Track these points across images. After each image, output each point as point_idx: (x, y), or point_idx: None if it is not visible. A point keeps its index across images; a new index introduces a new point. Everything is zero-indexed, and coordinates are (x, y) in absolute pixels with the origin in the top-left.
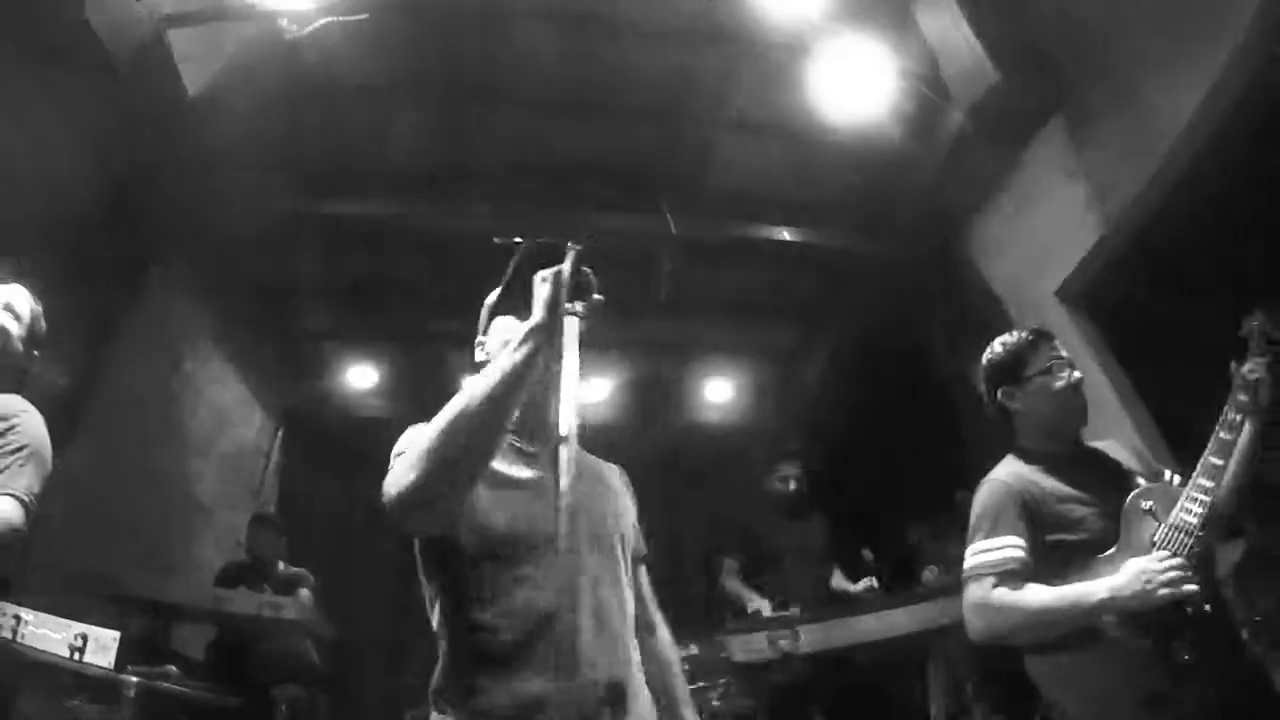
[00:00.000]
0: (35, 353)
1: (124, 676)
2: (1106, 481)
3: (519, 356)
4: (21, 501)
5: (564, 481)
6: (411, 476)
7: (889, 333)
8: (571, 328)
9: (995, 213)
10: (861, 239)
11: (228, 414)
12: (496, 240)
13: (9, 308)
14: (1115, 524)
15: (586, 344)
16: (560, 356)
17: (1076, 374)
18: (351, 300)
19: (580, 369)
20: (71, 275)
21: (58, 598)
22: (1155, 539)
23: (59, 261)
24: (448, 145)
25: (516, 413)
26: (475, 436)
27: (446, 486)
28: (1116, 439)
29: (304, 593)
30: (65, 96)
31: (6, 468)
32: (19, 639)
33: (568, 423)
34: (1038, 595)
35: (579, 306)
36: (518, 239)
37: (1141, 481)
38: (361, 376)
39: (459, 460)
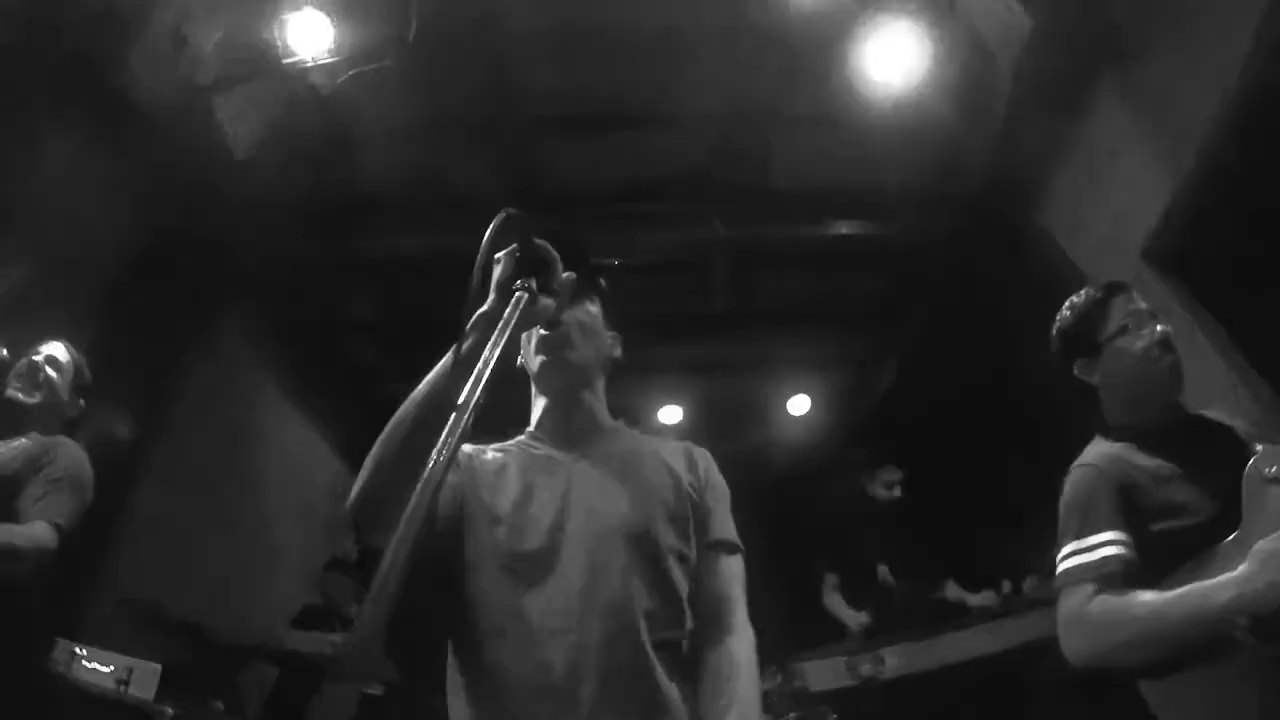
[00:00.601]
0: (80, 401)
1: (160, 708)
2: (1217, 453)
3: (463, 348)
4: (55, 525)
5: (432, 456)
6: (358, 481)
7: (969, 321)
8: (516, 305)
9: (1063, 178)
10: (928, 226)
11: (297, 456)
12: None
13: (51, 361)
14: (1234, 502)
15: (645, 367)
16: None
17: (1161, 327)
18: (415, 337)
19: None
20: (135, 325)
21: (126, 637)
22: None
23: (122, 312)
24: (498, 174)
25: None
26: (412, 436)
27: (388, 489)
28: (1225, 408)
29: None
30: (118, 154)
31: (45, 495)
32: (73, 673)
33: (467, 393)
34: (1148, 601)
35: (533, 283)
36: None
37: (1259, 447)
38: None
39: (395, 462)
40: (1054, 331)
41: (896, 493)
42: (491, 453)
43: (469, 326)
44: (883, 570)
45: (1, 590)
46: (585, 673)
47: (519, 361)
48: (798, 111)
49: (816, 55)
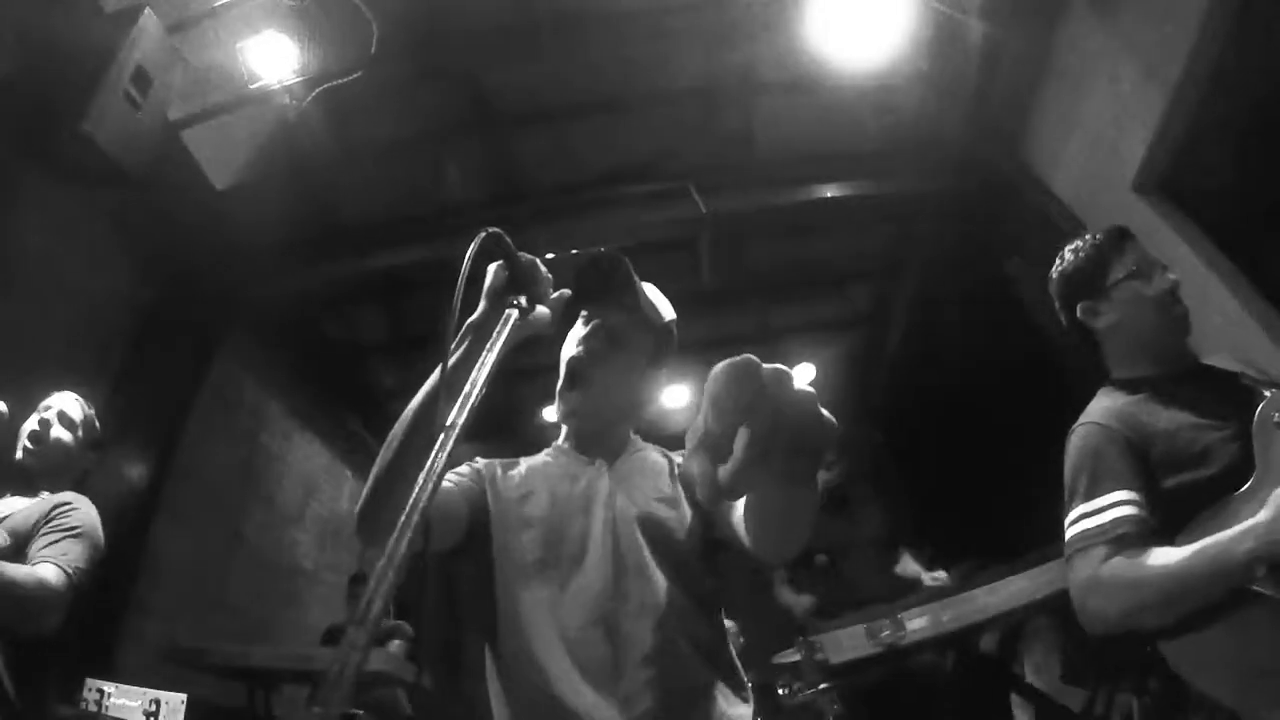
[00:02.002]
0: (92, 454)
1: None
2: (1229, 400)
3: (452, 358)
4: (62, 568)
5: (421, 476)
6: (361, 495)
7: (967, 274)
8: (507, 322)
9: (1045, 116)
10: (916, 180)
11: (315, 480)
12: (549, 257)
13: (62, 416)
14: (1246, 451)
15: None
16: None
17: (1172, 275)
18: (419, 350)
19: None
20: (142, 368)
21: (158, 673)
22: None
23: (128, 357)
24: (478, 176)
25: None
26: (406, 449)
27: (386, 502)
28: (1236, 345)
29: (395, 644)
30: (92, 208)
31: (57, 541)
32: (104, 710)
33: (455, 413)
34: (1165, 560)
35: (522, 299)
36: (548, 255)
37: (1269, 393)
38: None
39: (391, 475)
40: (1054, 274)
41: (822, 476)
42: (519, 465)
43: (458, 335)
44: (820, 558)
45: (29, 643)
46: (622, 668)
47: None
48: (772, 79)
49: (785, 21)
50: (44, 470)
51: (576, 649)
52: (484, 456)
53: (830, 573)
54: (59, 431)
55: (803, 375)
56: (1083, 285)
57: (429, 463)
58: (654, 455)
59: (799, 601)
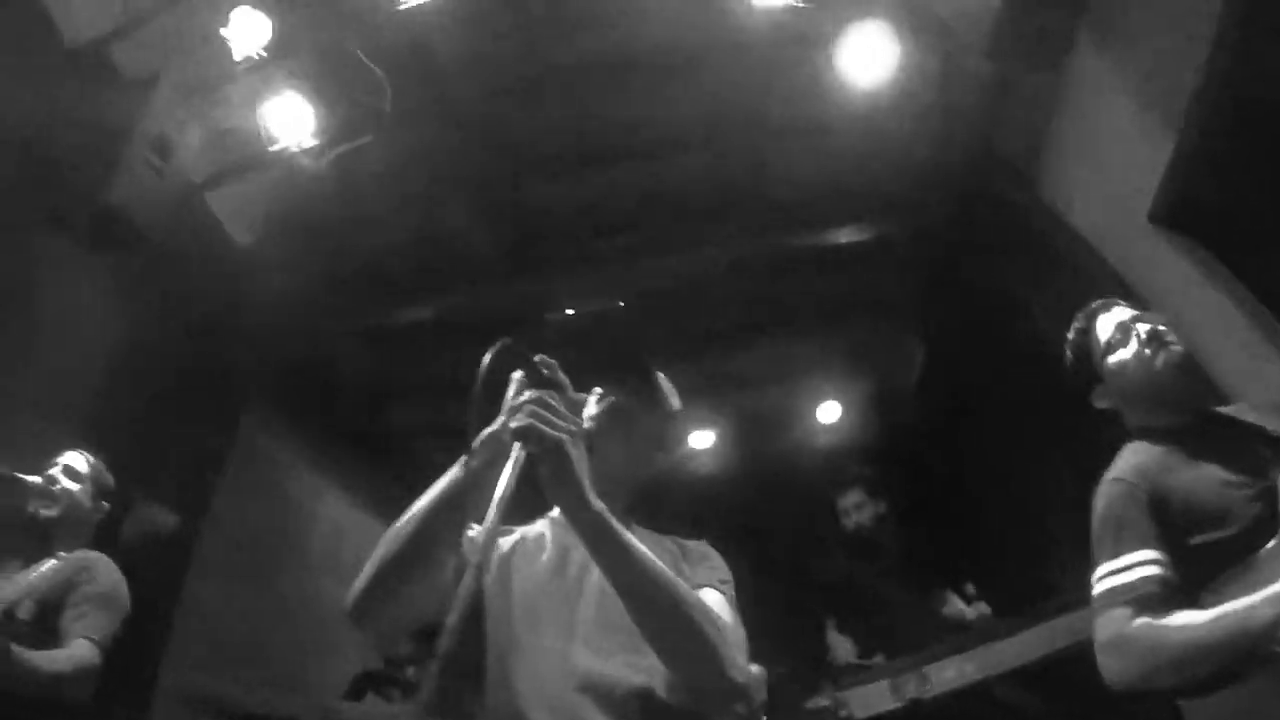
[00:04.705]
0: (104, 504)
1: None
2: (1251, 457)
3: (459, 470)
4: (95, 643)
5: (451, 619)
6: (358, 580)
7: (983, 310)
8: (517, 463)
9: (1057, 151)
10: (929, 216)
11: (344, 528)
12: (548, 316)
13: (67, 470)
14: (1271, 507)
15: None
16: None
17: (1145, 325)
18: (444, 398)
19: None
20: (168, 427)
21: None
22: None
23: (155, 416)
24: (496, 228)
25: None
26: (413, 544)
27: (385, 591)
28: (1258, 377)
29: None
30: (118, 271)
31: (86, 614)
32: None
33: (481, 550)
34: (1187, 625)
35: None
36: (569, 310)
37: None
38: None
39: (395, 566)
40: (1066, 375)
41: (857, 520)
42: (515, 533)
43: (477, 445)
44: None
45: (63, 711)
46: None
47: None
48: (781, 121)
49: (792, 64)
50: (58, 524)
51: (565, 713)
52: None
53: (874, 617)
54: (66, 483)
55: (828, 413)
56: (1081, 376)
57: (458, 602)
58: (655, 539)
59: (841, 643)
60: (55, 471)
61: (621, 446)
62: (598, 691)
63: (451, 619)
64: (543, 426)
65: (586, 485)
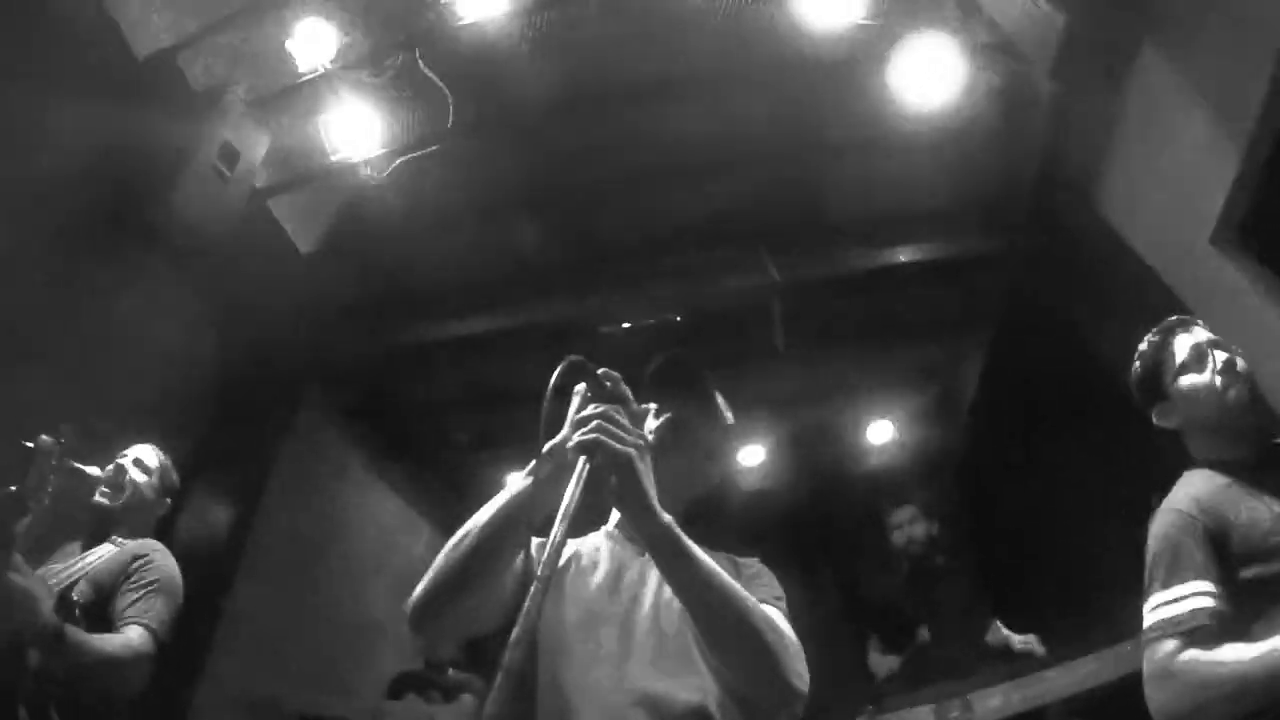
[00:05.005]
0: (167, 500)
1: None
2: None
3: (525, 483)
4: (150, 629)
5: (516, 632)
6: (420, 586)
7: (1042, 330)
8: (581, 471)
9: (1118, 171)
10: (989, 236)
11: (393, 533)
12: (603, 330)
13: (138, 463)
14: None
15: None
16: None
17: (1223, 354)
18: (494, 408)
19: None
20: (225, 427)
21: None
22: None
23: (212, 416)
24: (552, 244)
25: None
26: (476, 553)
27: (447, 599)
28: None
29: (466, 698)
30: (182, 273)
31: (139, 599)
32: None
33: (546, 564)
34: (1235, 660)
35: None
36: (625, 324)
37: None
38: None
39: (457, 574)
40: (1130, 383)
41: (911, 541)
42: (570, 547)
43: (543, 454)
44: (923, 633)
45: (116, 704)
46: None
47: None
48: (839, 139)
49: (852, 80)
50: (121, 512)
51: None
52: None
53: (921, 641)
54: (135, 474)
55: (880, 433)
56: (1149, 392)
57: (523, 617)
58: (710, 555)
59: (884, 663)
60: (125, 462)
61: (679, 460)
62: (653, 708)
63: (517, 632)
64: (611, 440)
65: (654, 497)
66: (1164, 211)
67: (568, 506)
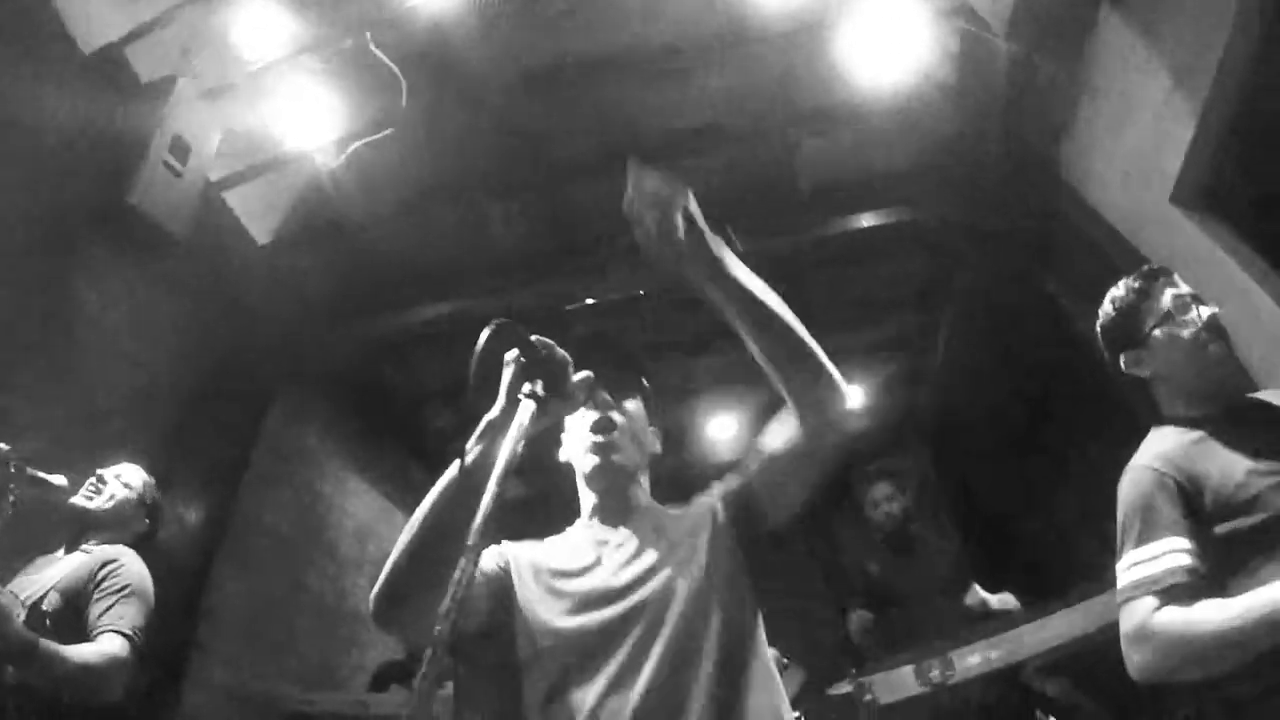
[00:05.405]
0: (147, 520)
1: None
2: (1278, 441)
3: (468, 457)
4: (127, 636)
5: (445, 603)
6: (378, 582)
7: (1009, 295)
8: (524, 413)
9: (1081, 130)
10: (954, 203)
11: (372, 526)
12: (569, 308)
13: (119, 477)
14: None
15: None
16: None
17: (1206, 310)
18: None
19: (515, 463)
20: (197, 424)
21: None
22: None
23: (184, 413)
24: (530, 224)
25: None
26: (423, 541)
27: (403, 590)
28: None
29: (451, 685)
30: (143, 270)
31: (112, 606)
32: None
33: (474, 531)
34: (1214, 614)
35: (538, 387)
36: (589, 300)
37: None
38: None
39: (408, 565)
40: (1098, 325)
41: (887, 513)
42: (544, 546)
43: (476, 434)
44: (912, 601)
45: (100, 711)
46: None
47: (561, 456)
48: (806, 109)
49: (814, 48)
50: (100, 515)
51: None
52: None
53: (897, 606)
54: (116, 487)
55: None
56: (1121, 336)
57: (452, 586)
58: (676, 512)
59: (862, 630)
60: (107, 474)
61: (636, 449)
62: (663, 701)
63: (446, 603)
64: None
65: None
66: (1125, 172)
67: (504, 465)
